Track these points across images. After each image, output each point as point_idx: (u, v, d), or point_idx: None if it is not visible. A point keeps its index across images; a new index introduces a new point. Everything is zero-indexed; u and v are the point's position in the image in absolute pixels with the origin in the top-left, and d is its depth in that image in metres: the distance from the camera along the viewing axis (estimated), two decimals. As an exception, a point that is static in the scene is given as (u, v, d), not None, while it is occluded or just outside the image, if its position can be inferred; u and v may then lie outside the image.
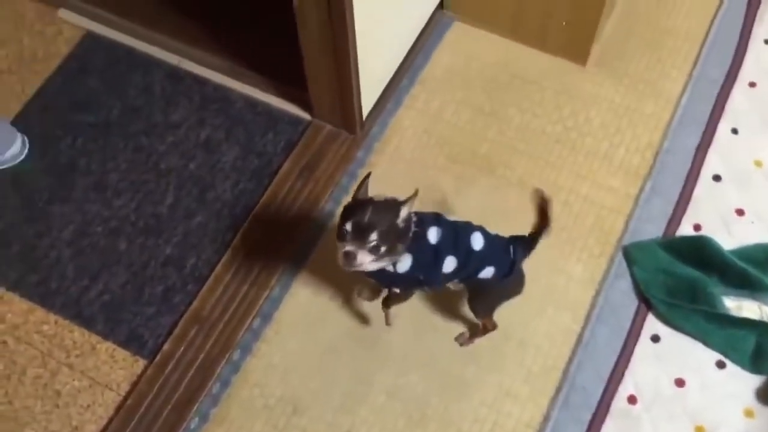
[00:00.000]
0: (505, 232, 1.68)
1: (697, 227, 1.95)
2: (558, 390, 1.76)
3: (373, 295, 1.77)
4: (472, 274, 1.57)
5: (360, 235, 1.41)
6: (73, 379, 1.80)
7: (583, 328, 1.83)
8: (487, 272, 1.57)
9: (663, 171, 2.03)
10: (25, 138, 2.08)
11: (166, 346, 1.83)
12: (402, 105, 2.15)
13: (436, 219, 1.55)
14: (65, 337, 1.85)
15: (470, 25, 2.26)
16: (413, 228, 1.48)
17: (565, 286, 1.88)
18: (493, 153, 2.07)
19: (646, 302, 1.85)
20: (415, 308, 1.84)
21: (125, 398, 1.78)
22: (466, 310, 1.75)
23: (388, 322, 1.80)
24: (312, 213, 2.00)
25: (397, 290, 1.65)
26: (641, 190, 2.00)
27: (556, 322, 1.84)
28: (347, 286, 1.88)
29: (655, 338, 1.82)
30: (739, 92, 2.14)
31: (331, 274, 1.91)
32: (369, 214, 1.41)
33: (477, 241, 1.54)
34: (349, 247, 1.42)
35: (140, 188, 2.04)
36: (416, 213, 1.50)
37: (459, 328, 1.83)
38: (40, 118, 2.15)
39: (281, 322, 1.86)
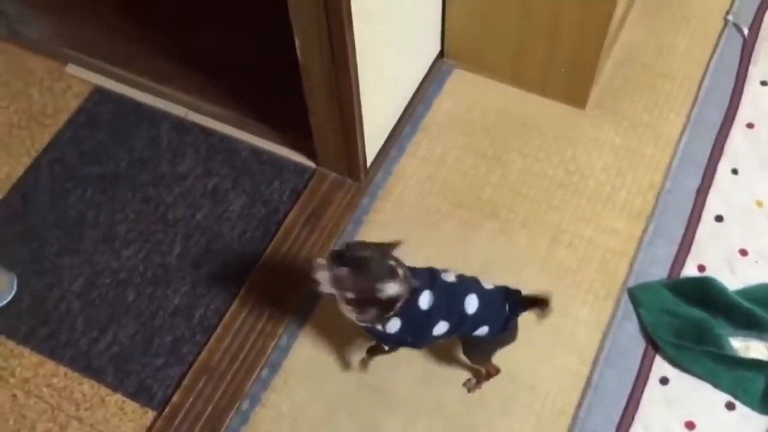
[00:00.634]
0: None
1: (701, 268, 1.96)
2: (568, 435, 1.76)
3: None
4: (465, 333, 1.57)
5: (340, 282, 1.42)
6: (82, 433, 1.81)
7: (592, 372, 1.83)
8: (482, 331, 1.56)
9: (665, 212, 2.05)
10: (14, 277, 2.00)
11: (174, 398, 1.83)
12: (405, 152, 2.19)
13: (431, 279, 1.52)
14: (75, 390, 1.86)
15: (470, 72, 2.31)
16: (402, 300, 1.44)
17: (571, 330, 1.89)
18: (496, 197, 2.10)
19: (654, 344, 1.86)
20: (419, 355, 1.85)
21: (135, 451, 1.78)
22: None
23: (365, 367, 1.81)
24: (318, 260, 2.01)
25: (386, 347, 1.67)
26: (644, 232, 2.02)
27: (564, 365, 1.84)
28: (354, 334, 1.89)
29: (664, 380, 1.82)
30: (737, 133, 2.17)
31: (338, 322, 1.92)
32: (359, 253, 1.43)
33: (471, 305, 1.53)
34: (330, 273, 1.42)
35: (148, 239, 2.07)
36: (410, 269, 1.48)
37: (465, 374, 1.83)
38: (49, 172, 2.18)
39: (289, 371, 1.87)
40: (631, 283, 1.94)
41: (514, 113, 2.24)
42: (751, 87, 2.25)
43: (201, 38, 2.42)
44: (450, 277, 1.57)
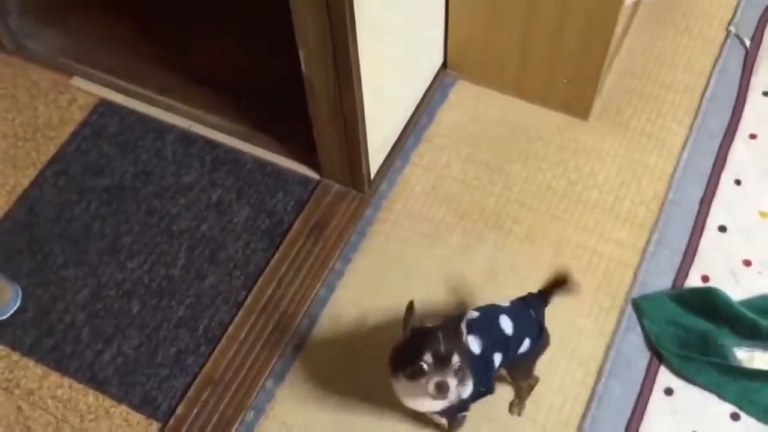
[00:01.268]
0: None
1: (705, 278, 1.96)
2: (573, 446, 1.76)
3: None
4: (513, 354, 1.57)
5: (442, 362, 1.36)
6: (87, 445, 1.81)
7: (596, 383, 1.83)
8: (525, 346, 1.58)
9: (669, 223, 2.05)
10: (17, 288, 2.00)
11: (179, 409, 1.83)
12: (409, 162, 2.20)
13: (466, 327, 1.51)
14: (79, 402, 1.86)
15: (473, 83, 2.32)
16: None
17: (576, 341, 1.89)
18: (500, 208, 2.10)
19: (658, 355, 1.86)
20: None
21: (139, 463, 1.78)
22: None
23: None
24: (322, 271, 2.02)
25: (465, 414, 1.63)
26: (648, 242, 2.02)
27: (569, 377, 1.84)
28: (359, 340, 1.89)
29: (669, 391, 1.82)
30: (740, 144, 2.17)
31: (342, 332, 1.93)
32: (443, 341, 1.37)
33: (507, 325, 1.54)
34: (437, 378, 1.35)
35: (153, 250, 2.07)
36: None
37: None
38: (54, 184, 2.19)
39: (294, 382, 1.87)
40: (635, 294, 1.94)
41: (517, 124, 2.25)
42: (753, 97, 2.26)
43: (206, 51, 2.43)
44: (473, 314, 1.56)
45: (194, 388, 1.86)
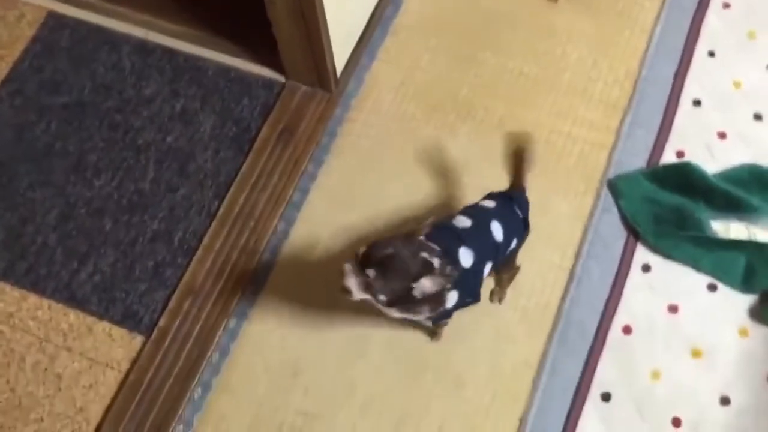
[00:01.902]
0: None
1: (680, 154, 1.95)
2: (554, 327, 1.78)
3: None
4: (503, 256, 1.56)
5: (371, 287, 1.34)
6: (72, 362, 1.81)
7: (574, 265, 1.84)
8: (513, 244, 1.57)
9: (643, 101, 2.02)
10: None
11: (161, 321, 1.83)
12: (376, 58, 2.13)
13: (453, 234, 1.46)
14: (61, 321, 1.85)
15: (438, -30, 2.23)
16: (448, 283, 1.37)
17: (552, 225, 1.88)
18: (471, 98, 2.05)
19: (635, 233, 1.86)
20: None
21: (126, 375, 1.79)
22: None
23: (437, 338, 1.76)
24: (295, 175, 1.98)
25: (447, 321, 1.63)
26: (622, 122, 1.99)
27: (547, 261, 1.85)
28: (336, 242, 1.88)
29: (646, 268, 1.83)
30: (713, 14, 2.11)
31: (318, 234, 1.91)
32: (383, 273, 1.32)
33: (497, 232, 1.51)
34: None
35: (120, 166, 2.02)
36: (431, 233, 1.43)
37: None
38: (11, 105, 2.11)
39: (274, 286, 1.86)
40: (610, 175, 1.93)
41: (485, 9, 2.17)
42: (727, -35, 2.18)
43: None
44: (466, 222, 1.52)
45: (175, 299, 1.86)
